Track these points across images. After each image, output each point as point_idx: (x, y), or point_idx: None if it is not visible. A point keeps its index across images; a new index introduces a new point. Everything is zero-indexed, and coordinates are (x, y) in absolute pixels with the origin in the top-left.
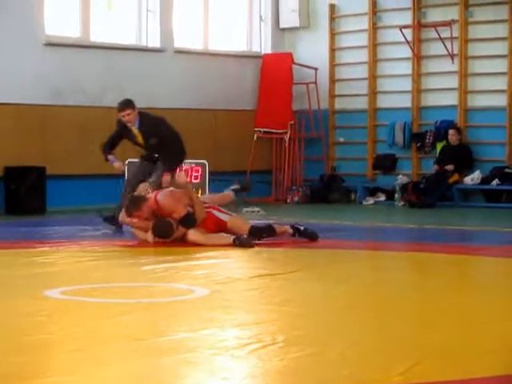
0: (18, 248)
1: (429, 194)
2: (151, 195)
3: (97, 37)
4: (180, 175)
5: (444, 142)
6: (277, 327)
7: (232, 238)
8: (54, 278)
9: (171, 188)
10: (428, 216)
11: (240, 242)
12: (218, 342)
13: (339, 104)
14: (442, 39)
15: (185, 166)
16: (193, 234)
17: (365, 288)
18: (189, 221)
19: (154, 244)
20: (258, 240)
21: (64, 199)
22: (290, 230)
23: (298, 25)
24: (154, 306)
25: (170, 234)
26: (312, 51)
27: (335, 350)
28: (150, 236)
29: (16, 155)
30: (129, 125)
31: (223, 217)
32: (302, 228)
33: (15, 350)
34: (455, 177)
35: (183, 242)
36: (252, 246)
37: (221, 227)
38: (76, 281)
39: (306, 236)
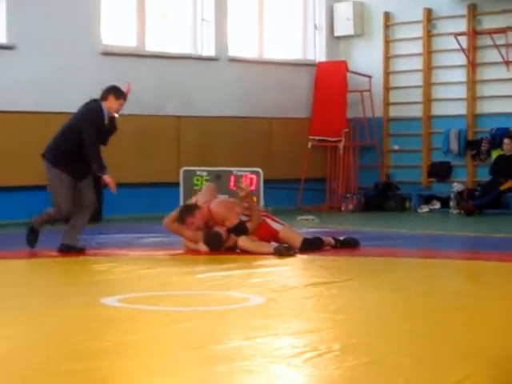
0: (75, 256)
1: (478, 199)
2: (204, 204)
3: (152, 46)
4: (244, 184)
5: (499, 150)
6: (332, 335)
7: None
8: (111, 286)
9: (224, 197)
10: (483, 224)
11: (279, 252)
12: (273, 350)
13: (394, 112)
14: (497, 46)
15: (240, 174)
16: (243, 241)
17: (419, 296)
18: (241, 229)
19: (208, 252)
20: (308, 252)
21: (120, 207)
22: (332, 241)
23: (352, 33)
24: (210, 314)
25: (221, 244)
26: (366, 59)
27: (390, 358)
28: (202, 246)
29: None
30: (116, 114)
31: (276, 226)
32: (341, 238)
33: (72, 357)
34: (508, 183)
35: (234, 249)
36: (292, 255)
37: (273, 236)
38: (132, 289)
39: (347, 244)
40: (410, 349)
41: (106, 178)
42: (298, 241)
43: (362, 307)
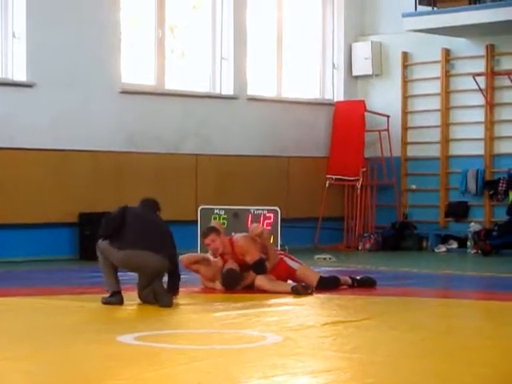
0: (92, 293)
1: (495, 239)
2: (226, 237)
3: (171, 84)
4: (254, 227)
5: None
6: (349, 375)
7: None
8: (127, 324)
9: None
10: (500, 264)
11: (296, 291)
12: None
13: (411, 151)
14: None
15: (257, 213)
16: (260, 280)
17: (436, 336)
18: (261, 266)
19: (224, 291)
20: (325, 291)
21: None
22: (349, 281)
23: (370, 72)
24: (227, 352)
25: (238, 283)
26: (384, 99)
27: None
28: (218, 285)
29: (91, 201)
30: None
31: (293, 265)
32: (358, 277)
33: None
34: None
35: (251, 288)
36: (310, 294)
37: (290, 274)
38: (149, 326)
39: (364, 284)
40: None
41: None
42: (314, 279)
43: (378, 347)
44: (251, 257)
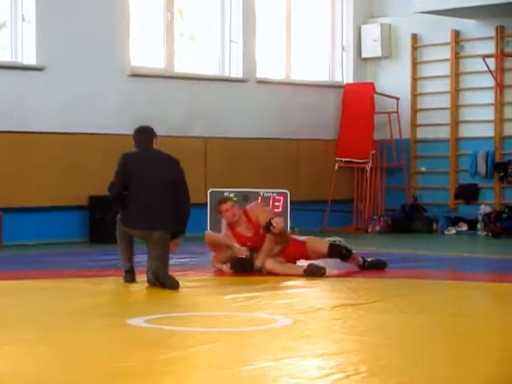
0: (103, 276)
1: (505, 221)
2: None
3: (181, 67)
4: (277, 222)
5: None
6: (359, 357)
7: (303, 268)
8: (138, 307)
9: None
10: (511, 246)
11: (310, 272)
12: (300, 371)
13: (421, 134)
14: None
15: (267, 195)
16: (271, 263)
17: (446, 319)
18: (269, 227)
19: (236, 274)
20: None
21: None
22: (361, 260)
23: (379, 55)
24: (237, 335)
25: (246, 269)
26: (394, 81)
27: (417, 381)
28: (225, 267)
29: (101, 184)
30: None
31: (302, 238)
32: (369, 259)
33: (98, 378)
34: None
35: (261, 271)
36: (323, 274)
37: (301, 248)
38: (159, 309)
39: (375, 266)
40: (437, 371)
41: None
42: (325, 247)
43: (388, 329)
44: (263, 217)
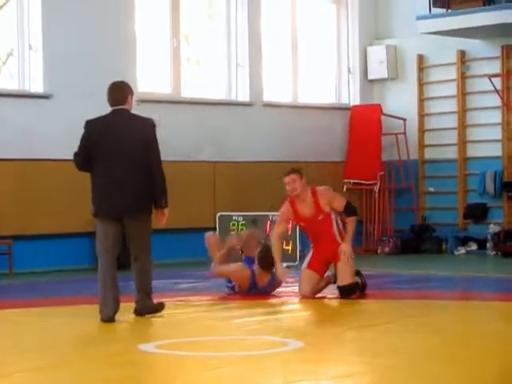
0: None
1: None
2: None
3: (187, 92)
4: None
5: None
6: (371, 379)
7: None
8: (148, 332)
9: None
10: None
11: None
12: None
13: (429, 154)
14: None
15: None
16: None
17: (458, 339)
18: (352, 208)
19: (246, 296)
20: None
21: (155, 253)
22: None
23: (386, 76)
24: (249, 358)
25: (270, 260)
26: (400, 102)
27: None
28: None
29: None
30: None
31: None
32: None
33: None
34: None
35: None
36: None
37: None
38: (170, 334)
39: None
40: None
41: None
42: (343, 203)
43: (400, 351)
44: (339, 203)
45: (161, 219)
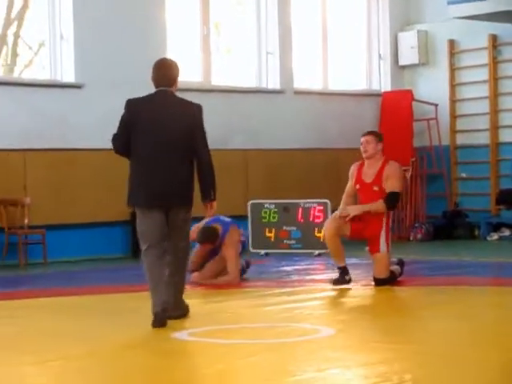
0: (146, 291)
1: None
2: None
3: (218, 80)
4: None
5: None
6: (403, 366)
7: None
8: (181, 320)
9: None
10: None
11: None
12: (345, 381)
13: (460, 139)
14: None
15: (307, 206)
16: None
17: (490, 325)
18: (393, 200)
19: (279, 283)
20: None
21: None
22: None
23: (417, 61)
24: (281, 346)
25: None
26: (432, 87)
27: None
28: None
29: None
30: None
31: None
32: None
33: None
34: None
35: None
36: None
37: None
38: (202, 323)
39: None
40: (481, 379)
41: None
42: (392, 188)
43: (432, 337)
44: (391, 184)
45: (209, 212)
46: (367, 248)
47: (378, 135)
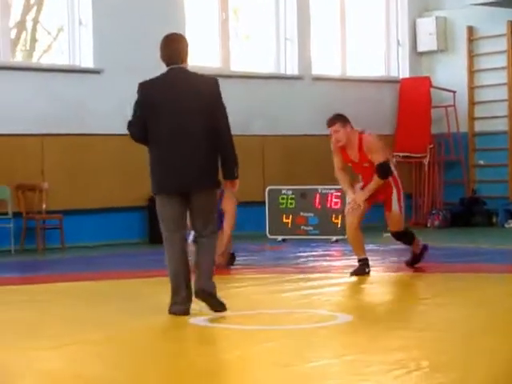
0: (164, 276)
1: None
2: (354, 130)
3: (237, 66)
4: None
5: None
6: (420, 352)
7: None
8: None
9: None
10: None
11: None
12: (362, 367)
13: (478, 126)
14: None
15: (325, 192)
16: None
17: (507, 312)
18: (385, 169)
19: (296, 269)
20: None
21: None
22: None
23: (435, 48)
24: (299, 332)
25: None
26: (450, 74)
27: (479, 375)
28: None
29: None
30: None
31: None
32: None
33: (162, 378)
34: None
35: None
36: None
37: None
38: None
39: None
40: (499, 366)
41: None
42: (379, 159)
43: (449, 324)
44: (376, 157)
45: (232, 191)
46: (385, 234)
47: (340, 119)
